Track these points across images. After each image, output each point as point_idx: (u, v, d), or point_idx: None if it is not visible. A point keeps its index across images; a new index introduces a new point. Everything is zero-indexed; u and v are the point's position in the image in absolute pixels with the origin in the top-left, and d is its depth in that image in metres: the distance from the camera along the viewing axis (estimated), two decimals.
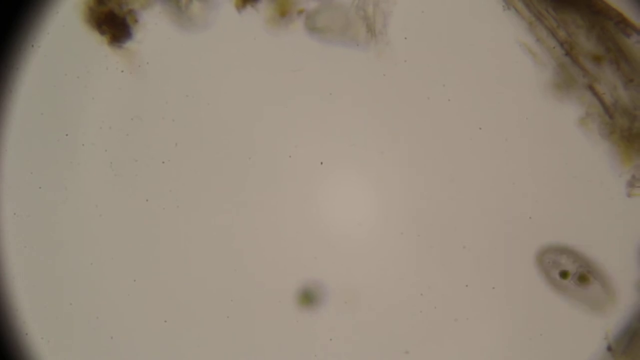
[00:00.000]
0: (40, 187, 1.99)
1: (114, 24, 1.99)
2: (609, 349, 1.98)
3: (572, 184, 2.00)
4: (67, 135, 2.00)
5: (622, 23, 1.93)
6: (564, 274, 1.91)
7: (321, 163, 2.01)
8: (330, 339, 2.02)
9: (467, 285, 2.01)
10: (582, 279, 1.91)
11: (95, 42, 1.99)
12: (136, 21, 1.99)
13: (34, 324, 1.99)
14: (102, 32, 1.99)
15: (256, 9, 1.99)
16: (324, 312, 2.02)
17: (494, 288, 2.01)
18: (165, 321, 2.01)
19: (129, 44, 2.00)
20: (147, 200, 2.01)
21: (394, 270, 2.03)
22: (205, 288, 2.02)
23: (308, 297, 2.02)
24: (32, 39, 1.98)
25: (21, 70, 1.98)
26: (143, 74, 2.01)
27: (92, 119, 2.01)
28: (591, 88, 1.95)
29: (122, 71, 2.00)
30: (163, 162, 2.01)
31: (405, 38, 2.00)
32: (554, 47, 1.95)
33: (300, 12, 1.99)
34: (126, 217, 2.02)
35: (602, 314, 1.95)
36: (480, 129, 2.01)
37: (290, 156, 2.01)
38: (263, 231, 2.02)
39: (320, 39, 2.00)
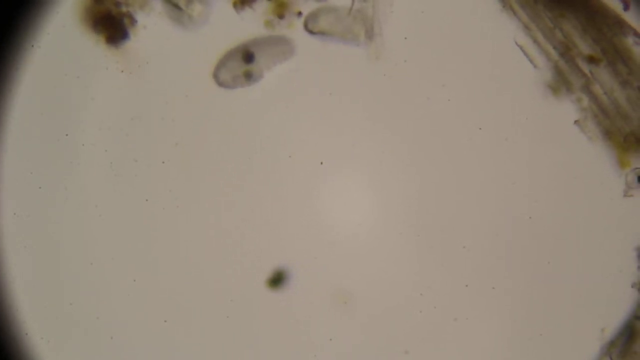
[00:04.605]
0: (40, 187, 2.05)
1: (110, 24, 2.05)
2: (608, 349, 2.04)
3: (572, 184, 2.07)
4: (67, 135, 2.06)
5: (619, 24, 2.00)
6: None
7: (321, 163, 2.08)
8: (330, 339, 2.09)
9: (467, 285, 2.08)
10: None
11: (94, 42, 2.05)
12: (133, 21, 2.05)
13: (34, 324, 2.05)
14: (98, 32, 2.05)
15: (254, 9, 2.05)
16: (324, 312, 2.09)
17: (494, 288, 2.08)
18: (165, 321, 2.07)
19: (126, 44, 2.06)
20: (146, 200, 2.07)
21: (394, 270, 2.09)
22: (205, 288, 2.08)
23: (277, 279, 2.07)
24: (32, 39, 2.04)
25: (21, 70, 2.04)
26: (143, 74, 2.07)
27: (92, 119, 2.07)
28: (588, 88, 2.02)
29: (122, 71, 2.06)
30: (163, 162, 2.07)
31: (405, 38, 2.07)
32: (551, 48, 2.03)
33: (299, 13, 2.05)
34: (126, 217, 2.08)
35: None
36: (480, 129, 2.08)
37: (290, 156, 2.08)
38: (263, 231, 2.08)
39: (318, 39, 2.06)
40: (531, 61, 2.04)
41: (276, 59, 2.01)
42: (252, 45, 1.92)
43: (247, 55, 1.89)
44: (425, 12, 2.07)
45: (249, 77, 1.82)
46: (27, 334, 2.05)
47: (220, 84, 2.01)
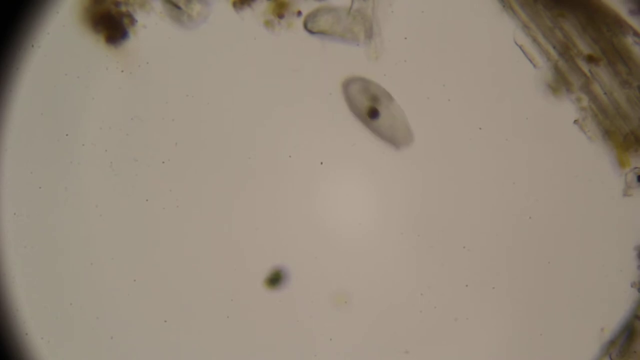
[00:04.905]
0: (40, 187, 2.06)
1: (110, 24, 2.06)
2: (607, 348, 2.05)
3: (572, 184, 2.08)
4: (67, 135, 2.07)
5: (618, 23, 2.01)
6: None
7: (321, 163, 2.09)
8: (330, 339, 2.10)
9: (467, 285, 2.09)
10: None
11: (94, 42, 2.07)
12: (133, 21, 2.07)
13: (34, 324, 2.06)
14: (98, 32, 2.06)
15: (253, 9, 2.06)
16: (324, 312, 2.10)
17: (494, 288, 2.09)
18: (165, 321, 2.08)
19: (126, 44, 2.07)
20: (147, 200, 2.08)
21: (394, 270, 2.10)
22: (205, 288, 2.09)
23: (275, 279, 2.08)
24: (32, 39, 2.05)
25: (21, 70, 2.05)
26: (143, 74, 2.08)
27: (92, 119, 2.08)
28: (587, 88, 2.03)
29: (122, 71, 2.07)
30: (163, 162, 2.09)
31: (405, 38, 2.09)
32: (551, 48, 2.04)
33: (297, 12, 2.06)
34: (126, 217, 2.09)
35: None
36: (480, 129, 2.09)
37: (290, 156, 2.09)
38: (263, 231, 2.10)
39: (318, 39, 2.07)
40: (531, 61, 2.05)
41: (387, 136, 2.02)
42: (384, 107, 1.93)
43: (372, 112, 1.90)
44: (425, 12, 2.08)
45: (365, 109, 1.82)
46: (27, 334, 2.06)
47: (345, 91, 2.01)
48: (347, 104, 2.04)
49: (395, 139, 1.99)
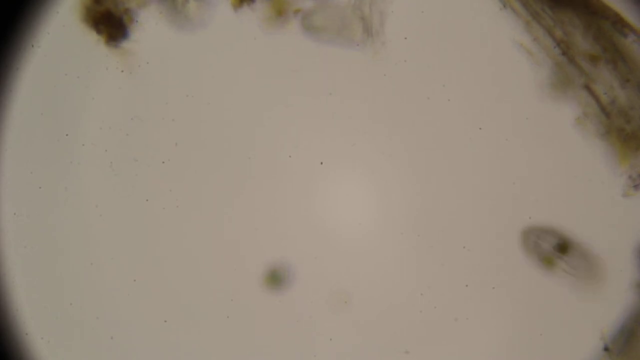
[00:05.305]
0: (40, 187, 2.07)
1: (110, 24, 2.07)
2: (606, 349, 2.05)
3: (572, 184, 2.08)
4: (67, 135, 2.08)
5: (619, 23, 2.01)
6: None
7: (321, 163, 2.10)
8: (330, 339, 2.10)
9: (467, 285, 2.10)
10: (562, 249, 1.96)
11: (94, 41, 2.07)
12: (133, 21, 2.07)
13: (34, 324, 2.07)
14: (98, 32, 2.07)
15: (252, 8, 2.07)
16: (324, 312, 2.11)
17: (494, 288, 2.09)
18: (165, 321, 2.09)
19: (126, 44, 2.08)
20: (147, 200, 2.09)
21: (394, 270, 2.11)
22: (205, 288, 2.10)
23: (275, 278, 2.09)
24: (32, 39, 2.06)
25: (21, 70, 2.06)
26: (143, 74, 2.09)
27: (92, 119, 2.09)
28: (588, 88, 2.03)
29: (122, 71, 2.08)
30: (163, 162, 2.09)
31: (405, 38, 2.09)
32: (551, 47, 2.04)
33: (297, 11, 2.06)
34: (126, 217, 2.10)
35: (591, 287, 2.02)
36: (480, 129, 2.10)
37: (290, 156, 2.10)
38: (263, 231, 2.10)
39: (317, 39, 2.08)
40: (531, 60, 2.05)
41: (579, 277, 2.03)
42: (578, 248, 1.95)
43: (562, 246, 1.91)
44: (425, 12, 2.09)
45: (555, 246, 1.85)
46: (27, 334, 2.07)
47: (528, 250, 2.03)
48: (526, 251, 2.06)
49: (583, 278, 2.02)
